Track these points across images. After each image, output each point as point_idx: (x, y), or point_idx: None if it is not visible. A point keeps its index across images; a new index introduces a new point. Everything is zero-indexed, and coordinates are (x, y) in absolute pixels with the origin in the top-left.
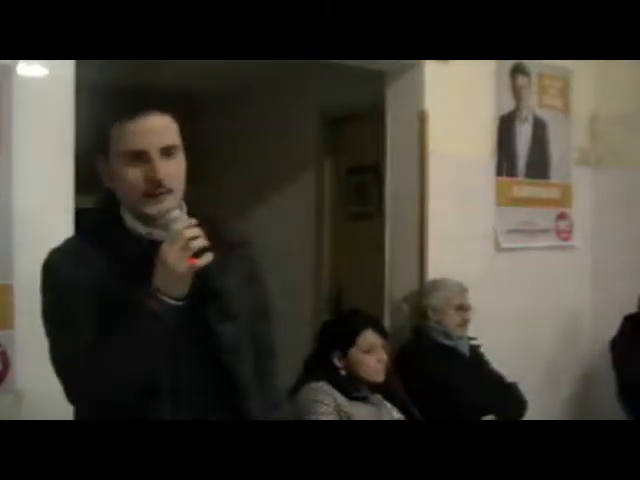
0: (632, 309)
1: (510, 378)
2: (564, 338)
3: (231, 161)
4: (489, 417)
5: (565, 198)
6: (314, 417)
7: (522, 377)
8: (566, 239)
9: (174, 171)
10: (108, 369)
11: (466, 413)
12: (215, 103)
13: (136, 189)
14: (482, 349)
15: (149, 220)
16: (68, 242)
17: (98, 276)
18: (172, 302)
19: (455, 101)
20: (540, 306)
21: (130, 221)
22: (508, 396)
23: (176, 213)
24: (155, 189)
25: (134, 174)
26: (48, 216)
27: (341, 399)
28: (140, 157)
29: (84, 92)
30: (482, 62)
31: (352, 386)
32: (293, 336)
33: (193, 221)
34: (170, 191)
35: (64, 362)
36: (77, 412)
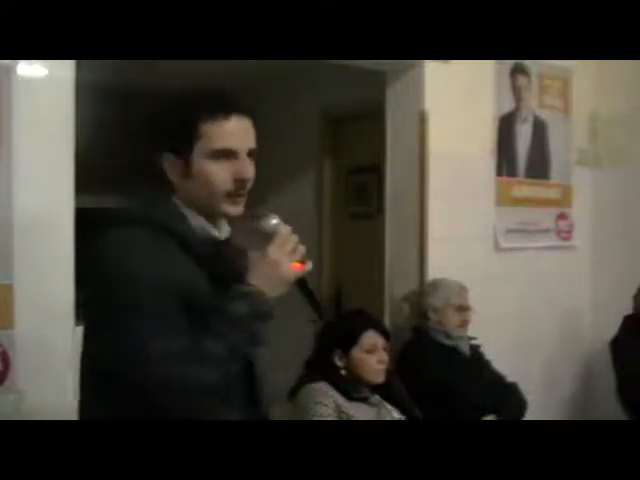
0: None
1: (510, 378)
2: (564, 338)
3: None
4: (489, 417)
5: (565, 198)
6: (314, 418)
7: (522, 377)
8: (566, 239)
9: (252, 175)
10: (208, 368)
11: (466, 413)
12: None
13: (221, 187)
14: (482, 349)
15: (220, 221)
16: (131, 234)
17: (176, 271)
18: (273, 302)
19: (455, 101)
20: (540, 306)
21: (196, 220)
22: (508, 396)
23: (276, 219)
24: (239, 189)
25: (223, 172)
26: (48, 216)
27: (341, 400)
28: (230, 156)
29: (84, 92)
30: (482, 62)
31: (352, 386)
32: (293, 336)
33: (290, 227)
34: (246, 194)
35: (151, 361)
36: (83, 410)
